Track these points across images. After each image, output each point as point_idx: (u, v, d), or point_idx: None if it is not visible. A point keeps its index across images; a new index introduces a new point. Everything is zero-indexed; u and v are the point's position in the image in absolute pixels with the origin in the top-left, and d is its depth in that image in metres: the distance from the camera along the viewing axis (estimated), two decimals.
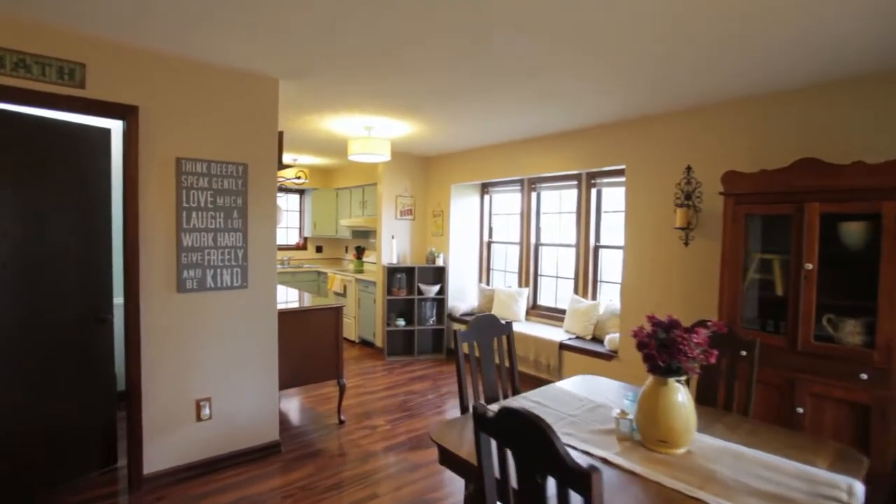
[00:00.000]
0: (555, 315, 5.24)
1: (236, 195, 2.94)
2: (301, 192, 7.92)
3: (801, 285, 2.68)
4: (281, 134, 3.34)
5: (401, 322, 5.65)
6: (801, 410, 2.67)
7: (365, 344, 6.27)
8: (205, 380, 2.84)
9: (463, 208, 6.00)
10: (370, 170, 6.64)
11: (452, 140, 5.11)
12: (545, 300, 5.52)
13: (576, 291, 5.05)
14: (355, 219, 6.85)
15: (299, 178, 6.25)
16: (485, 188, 6.11)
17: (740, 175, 2.98)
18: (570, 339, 4.61)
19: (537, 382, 4.49)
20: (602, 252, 4.93)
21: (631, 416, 1.81)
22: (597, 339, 4.56)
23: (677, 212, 3.62)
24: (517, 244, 5.70)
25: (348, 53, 2.60)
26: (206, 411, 2.83)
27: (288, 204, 7.88)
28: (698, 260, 3.61)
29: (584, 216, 4.97)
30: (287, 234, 7.88)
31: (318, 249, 8.00)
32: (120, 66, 2.50)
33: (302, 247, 7.87)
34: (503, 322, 2.56)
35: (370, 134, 4.42)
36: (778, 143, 3.15)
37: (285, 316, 3.34)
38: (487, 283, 6.15)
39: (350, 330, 6.43)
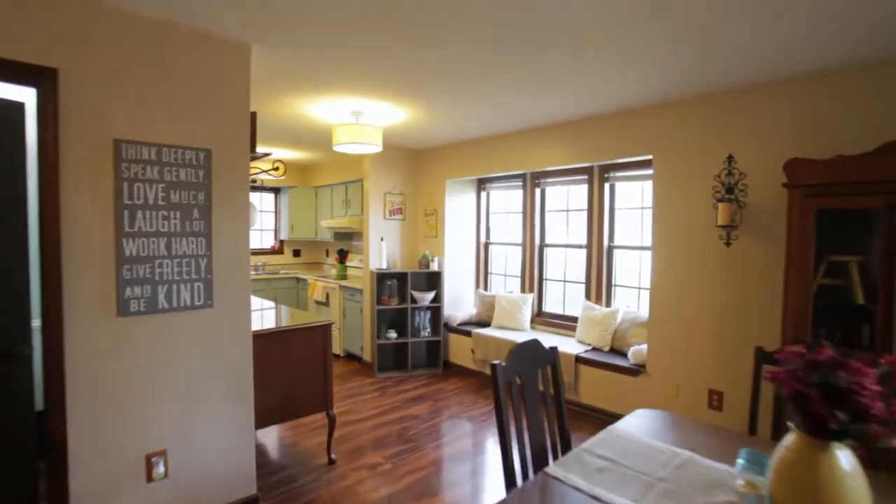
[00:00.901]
0: (564, 323, 4.74)
1: (197, 189, 2.32)
2: (276, 190, 7.23)
3: None
4: (254, 115, 2.72)
5: (392, 334, 5.06)
6: None
7: (351, 358, 5.65)
8: (158, 428, 2.20)
9: (458, 207, 5.44)
10: (353, 165, 6.02)
11: (447, 130, 4.55)
12: (552, 306, 5.02)
13: (588, 297, 4.56)
14: (337, 219, 6.21)
15: (276, 168, 5.58)
16: (482, 184, 5.58)
17: (809, 163, 2.52)
18: (585, 351, 4.10)
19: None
20: (616, 253, 4.46)
21: (763, 492, 1.29)
22: (616, 351, 4.07)
23: (719, 207, 3.15)
24: (519, 245, 5.18)
25: (339, 5, 2.02)
26: (159, 468, 2.20)
27: (262, 203, 7.18)
28: (742, 262, 3.14)
29: (597, 214, 4.49)
30: (261, 236, 7.18)
31: (296, 253, 7.32)
32: (31, 14, 1.85)
33: (278, 251, 7.18)
34: (548, 348, 2.01)
35: (358, 121, 3.82)
36: (847, 125, 2.70)
37: (262, 339, 2.73)
38: (486, 289, 5.61)
39: (335, 342, 5.78)
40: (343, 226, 5.90)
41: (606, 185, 4.45)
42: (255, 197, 7.02)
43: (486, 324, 5.14)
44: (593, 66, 2.75)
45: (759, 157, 3.05)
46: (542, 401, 1.93)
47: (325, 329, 3.06)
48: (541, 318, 4.98)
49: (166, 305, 2.22)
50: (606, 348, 4.12)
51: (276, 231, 7.27)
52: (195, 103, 2.30)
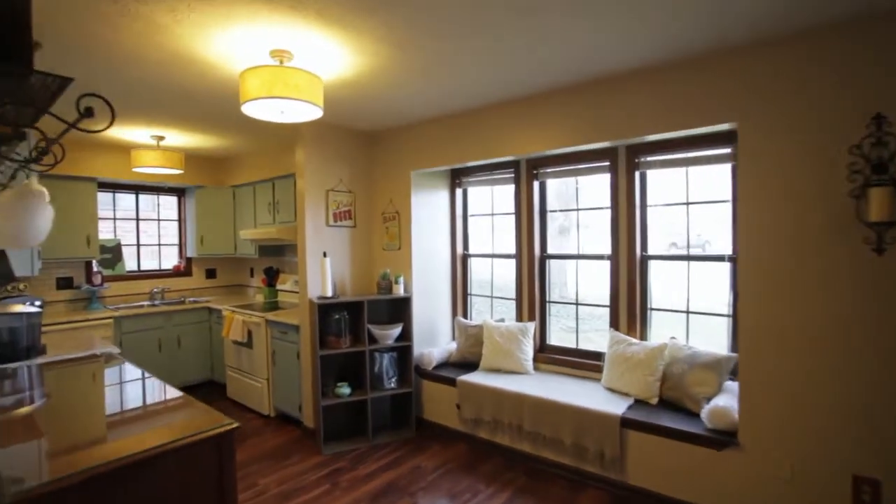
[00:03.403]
0: (580, 362, 3.49)
1: None
2: (179, 191, 5.50)
3: None
4: None
5: (344, 389, 3.58)
6: None
7: (285, 420, 4.09)
8: None
9: (427, 208, 4.07)
10: (282, 156, 4.48)
11: (413, 98, 3.18)
12: (560, 338, 3.76)
13: (614, 325, 3.34)
14: (263, 228, 4.64)
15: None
16: (457, 178, 4.25)
17: None
18: (629, 408, 2.86)
19: (580, 486, 2.71)
20: (651, 265, 3.28)
21: None
22: (670, 405, 2.87)
23: (871, 195, 2.01)
24: (511, 258, 3.89)
25: None
26: None
27: (159, 209, 5.44)
28: None
29: (625, 213, 3.29)
30: (159, 253, 5.42)
31: (210, 274, 5.62)
32: None
33: (184, 271, 5.45)
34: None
35: (283, 64, 2.37)
36: None
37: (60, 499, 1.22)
38: (467, 316, 4.27)
39: (260, 398, 4.21)
40: (270, 237, 4.35)
41: (637, 174, 3.27)
42: (146, 201, 5.27)
43: (472, 364, 3.79)
44: None
45: None
46: None
47: (221, 443, 1.58)
48: (546, 354, 3.71)
49: None
50: (654, 400, 2.91)
51: (182, 246, 5.53)
52: None
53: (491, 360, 3.66)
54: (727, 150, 2.85)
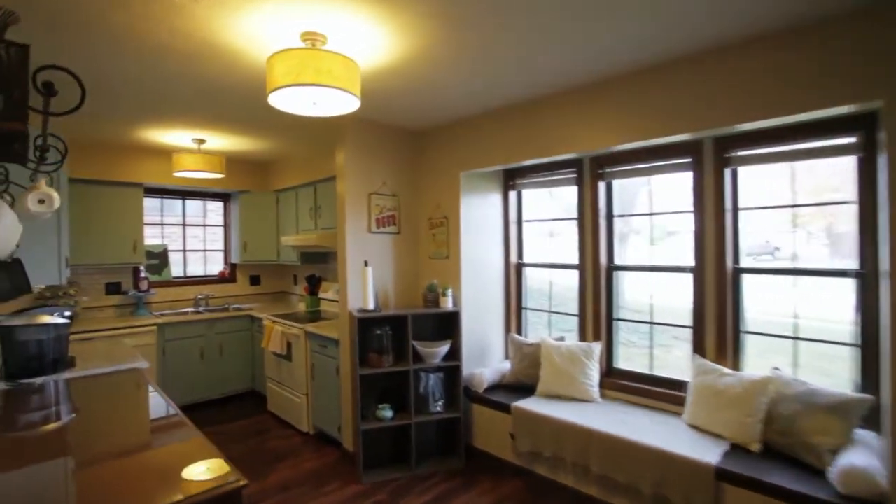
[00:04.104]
0: (655, 391, 2.99)
1: None
2: (225, 197, 5.42)
3: None
4: None
5: (386, 412, 3.25)
6: None
7: (325, 441, 3.82)
8: None
9: (477, 213, 3.70)
10: (325, 158, 4.25)
11: (461, 91, 2.82)
12: (630, 362, 3.27)
13: (699, 350, 2.82)
14: (305, 234, 4.43)
15: (208, 172, 3.81)
16: (510, 179, 3.84)
17: None
18: (723, 452, 2.35)
19: None
20: (745, 280, 2.74)
21: None
22: (776, 453, 2.33)
23: None
24: (573, 268, 3.44)
25: None
26: None
27: (207, 214, 5.38)
28: None
29: (713, 217, 2.77)
30: (204, 259, 5.35)
31: (254, 281, 5.50)
32: None
33: (228, 278, 5.35)
34: None
35: (315, 46, 2.07)
36: None
37: None
38: (521, 332, 3.85)
39: (299, 414, 3.97)
40: (310, 243, 4.11)
41: (727, 172, 2.74)
42: (194, 206, 5.21)
43: (528, 388, 3.37)
44: None
45: None
46: None
47: None
48: (613, 379, 3.22)
49: None
50: (756, 446, 2.37)
51: (227, 252, 5.45)
52: None
53: (550, 385, 3.23)
54: (851, 140, 2.30)
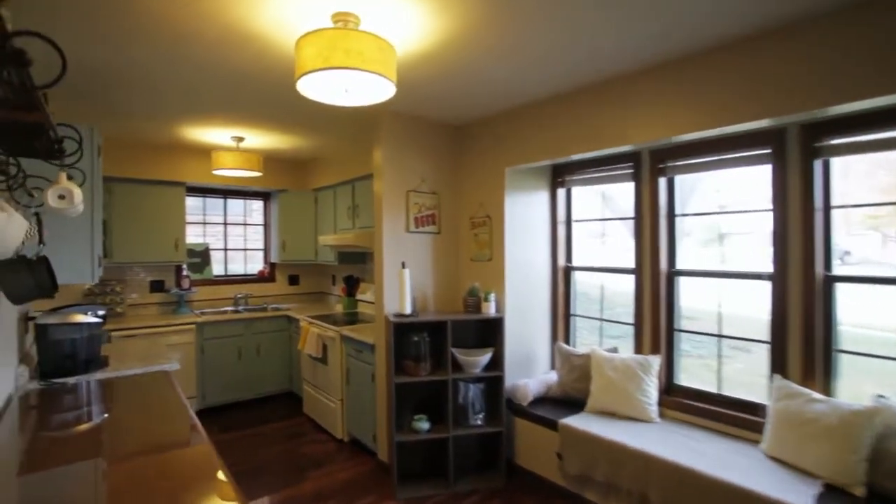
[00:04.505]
0: (724, 414, 2.64)
1: None
2: (265, 195, 5.40)
3: None
4: None
5: (423, 424, 3.05)
6: None
7: (359, 448, 3.67)
8: None
9: (523, 211, 3.44)
10: (363, 155, 4.10)
11: (508, 79, 2.58)
12: (693, 379, 2.92)
13: (779, 370, 2.46)
14: (342, 234, 4.30)
15: (245, 170, 3.75)
16: (558, 175, 3.56)
17: None
18: (817, 495, 1.99)
19: None
20: (838, 289, 2.35)
21: None
22: (883, 497, 1.95)
23: None
24: (629, 272, 3.13)
25: None
26: None
27: (249, 213, 5.37)
28: None
29: (799, 216, 2.40)
30: (244, 258, 5.35)
31: (293, 280, 5.45)
32: None
33: (268, 277, 5.33)
34: None
35: (347, 26, 1.88)
36: None
37: None
38: (569, 341, 3.56)
39: (334, 420, 3.84)
40: (346, 243, 3.98)
41: (817, 165, 2.37)
42: (236, 205, 5.21)
43: (576, 403, 3.08)
44: None
45: None
46: None
47: None
48: (675, 398, 2.89)
49: None
50: (859, 490, 2.00)
51: (266, 251, 5.43)
52: None
53: (602, 400, 2.93)
54: None
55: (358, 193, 4.16)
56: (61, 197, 1.68)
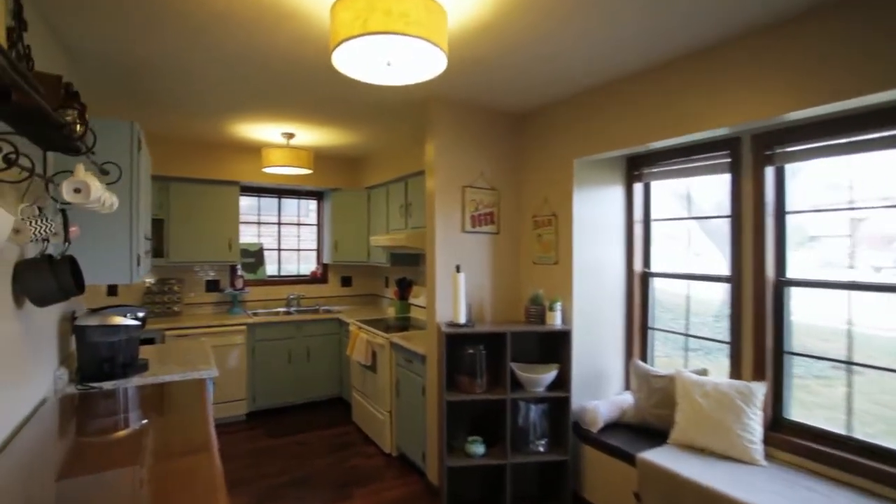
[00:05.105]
0: (854, 462, 2.09)
1: None
2: (318, 195, 5.30)
3: None
4: None
5: (477, 448, 2.72)
6: None
7: (408, 466, 3.40)
8: None
9: (594, 208, 3.02)
10: (416, 149, 3.83)
11: (578, 53, 2.19)
12: (807, 413, 2.38)
13: None
14: (394, 234, 4.06)
15: (295, 167, 3.60)
16: (635, 168, 3.11)
17: None
18: None
19: None
20: None
21: None
22: None
23: None
24: (723, 280, 2.63)
25: None
26: None
27: (303, 212, 5.29)
28: None
29: None
30: (298, 258, 5.27)
31: (346, 282, 5.30)
32: None
33: (320, 278, 5.21)
34: None
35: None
36: None
37: None
38: (646, 359, 3.10)
39: (382, 433, 3.59)
40: (398, 244, 3.73)
41: None
42: (290, 205, 5.14)
43: (657, 432, 2.63)
44: None
45: None
46: None
47: None
48: (784, 435, 2.36)
49: None
50: None
51: (319, 251, 5.32)
52: None
53: (690, 433, 2.46)
54: None
55: (411, 191, 3.90)
56: (77, 190, 1.52)
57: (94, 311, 2.35)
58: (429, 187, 3.05)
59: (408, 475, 3.27)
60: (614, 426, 2.81)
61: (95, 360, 2.27)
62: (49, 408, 1.87)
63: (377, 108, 3.17)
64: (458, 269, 2.89)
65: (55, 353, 2.22)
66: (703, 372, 2.67)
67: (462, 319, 2.80)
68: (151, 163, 3.37)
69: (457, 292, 2.82)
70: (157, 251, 4.09)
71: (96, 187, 1.56)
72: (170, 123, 3.58)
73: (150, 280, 4.30)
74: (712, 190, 2.81)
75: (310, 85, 2.71)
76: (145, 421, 1.85)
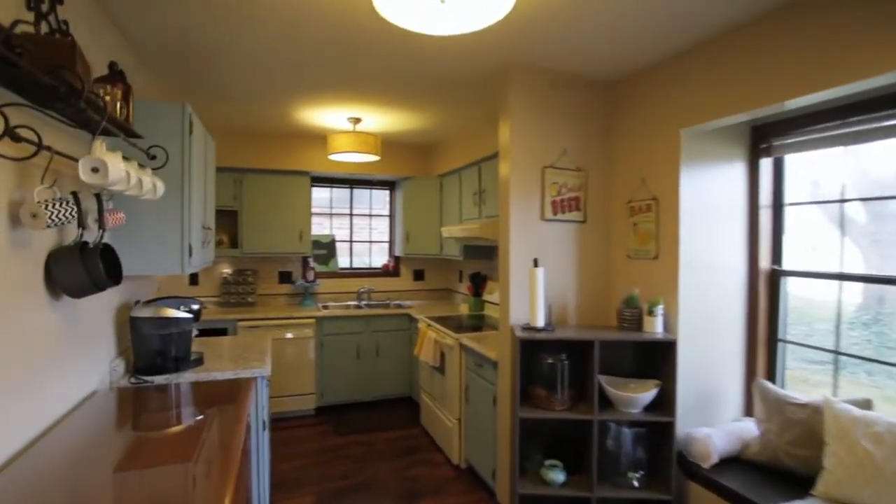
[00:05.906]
0: None
1: None
2: (390, 184, 5.09)
3: None
4: None
5: (555, 475, 2.31)
6: None
7: (477, 481, 3.05)
8: None
9: (704, 191, 2.44)
10: (490, 129, 3.44)
11: (680, 7, 1.67)
12: None
13: None
14: (467, 224, 3.72)
15: (362, 153, 3.38)
16: (761, 139, 2.48)
17: None
18: None
19: None
20: None
21: None
22: None
23: None
24: (888, 282, 1.96)
25: None
26: None
27: (371, 203, 5.13)
28: None
29: None
30: (369, 250, 5.11)
31: (418, 276, 5.06)
32: None
33: (392, 271, 5.02)
34: None
35: None
36: None
37: None
38: (775, 380, 2.47)
39: (450, 441, 3.28)
40: (471, 235, 3.37)
41: None
42: (362, 196, 4.99)
43: (793, 476, 2.04)
44: None
45: None
46: None
47: None
48: None
49: None
50: None
51: (391, 243, 5.13)
52: None
53: (848, 487, 1.85)
54: None
55: (485, 176, 3.53)
56: (94, 170, 1.34)
57: (148, 303, 2.27)
58: (502, 169, 2.65)
59: (477, 491, 2.93)
60: (732, 462, 2.25)
61: (149, 352, 2.18)
62: (94, 403, 1.77)
63: (446, 84, 2.82)
64: (535, 263, 2.47)
65: (112, 344, 2.16)
66: (867, 404, 2.02)
67: (540, 322, 2.38)
68: (219, 153, 3.31)
69: (534, 290, 2.41)
70: (233, 242, 4.13)
71: (117, 167, 1.38)
72: (236, 114, 3.52)
73: (227, 270, 4.36)
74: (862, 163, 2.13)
75: (371, 51, 2.42)
76: (179, 421, 1.70)
